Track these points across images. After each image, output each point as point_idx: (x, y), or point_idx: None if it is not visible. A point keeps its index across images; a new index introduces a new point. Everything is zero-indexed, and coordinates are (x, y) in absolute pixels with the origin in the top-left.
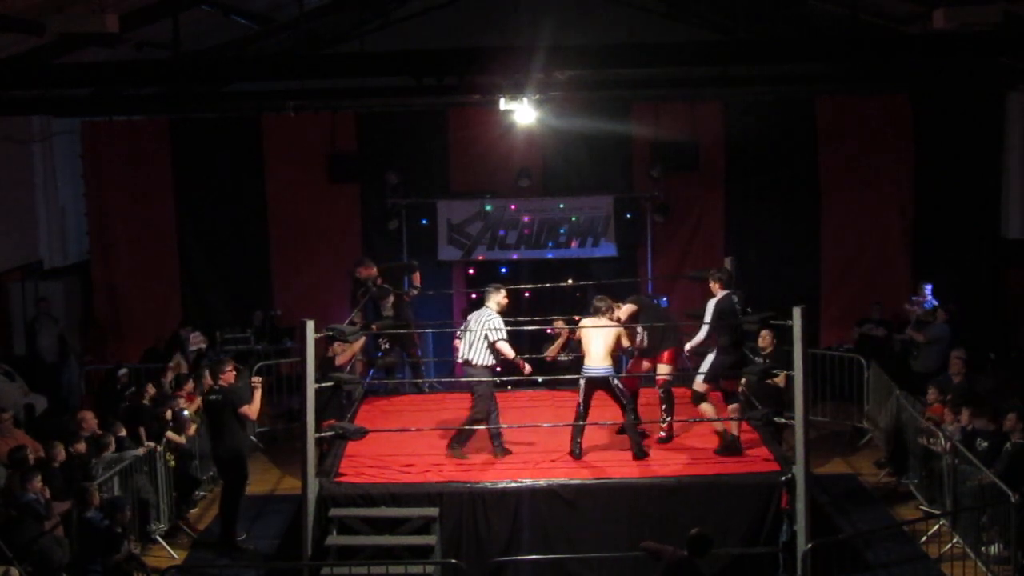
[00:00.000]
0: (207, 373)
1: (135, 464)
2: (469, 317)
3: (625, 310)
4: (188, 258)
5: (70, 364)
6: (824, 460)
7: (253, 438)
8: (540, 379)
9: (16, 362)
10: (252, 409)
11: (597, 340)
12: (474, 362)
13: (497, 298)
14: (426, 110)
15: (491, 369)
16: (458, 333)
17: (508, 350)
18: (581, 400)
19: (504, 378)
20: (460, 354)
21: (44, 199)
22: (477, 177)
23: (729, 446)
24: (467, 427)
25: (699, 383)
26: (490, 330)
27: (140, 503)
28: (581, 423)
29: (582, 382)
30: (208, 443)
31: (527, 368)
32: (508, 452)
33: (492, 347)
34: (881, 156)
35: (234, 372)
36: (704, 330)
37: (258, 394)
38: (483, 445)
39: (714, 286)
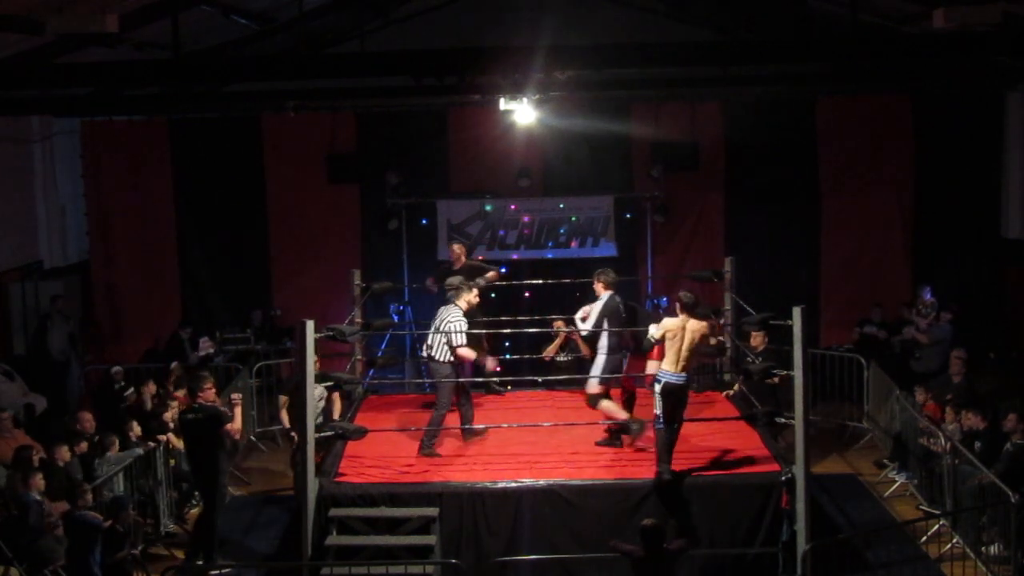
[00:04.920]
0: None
1: (135, 464)
2: (439, 311)
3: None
4: (188, 258)
5: (70, 364)
6: (824, 460)
7: (253, 437)
8: (540, 379)
9: (16, 362)
10: (234, 427)
11: (683, 342)
12: (437, 358)
13: (467, 296)
14: (426, 110)
15: (452, 365)
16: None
17: (468, 353)
18: (660, 412)
19: (504, 378)
20: (424, 349)
21: (44, 199)
22: (477, 177)
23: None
24: (434, 425)
25: (593, 386)
26: (453, 332)
27: (140, 503)
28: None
29: (657, 388)
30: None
31: (491, 364)
32: (436, 455)
33: (451, 348)
34: (881, 156)
35: (214, 389)
36: (591, 324)
37: (238, 411)
38: (482, 447)
39: (598, 287)
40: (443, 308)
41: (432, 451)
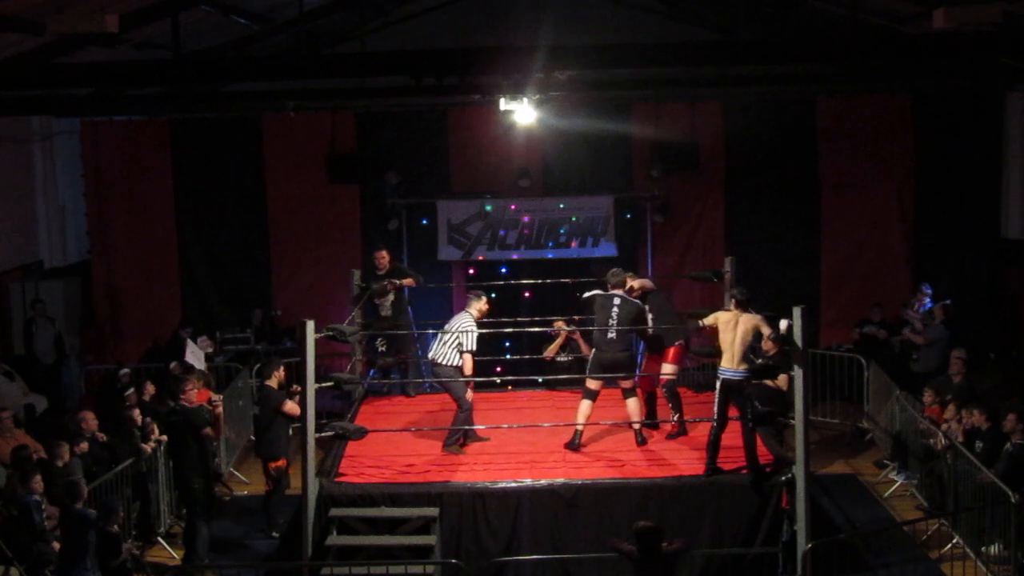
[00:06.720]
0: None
1: (135, 464)
2: (453, 319)
3: (640, 282)
4: (188, 258)
5: (69, 364)
6: (825, 460)
7: (253, 437)
8: (540, 379)
9: (15, 362)
10: (215, 430)
11: (734, 336)
12: (442, 362)
13: (478, 305)
14: (426, 110)
15: (459, 370)
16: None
17: (469, 366)
18: (716, 408)
19: (504, 378)
20: (430, 354)
21: (44, 199)
22: (477, 177)
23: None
24: (459, 425)
25: (593, 382)
26: (463, 333)
27: (141, 503)
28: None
29: (717, 385)
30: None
31: (469, 394)
32: (461, 452)
33: (460, 353)
34: (881, 156)
35: (195, 391)
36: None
37: (218, 411)
38: (482, 447)
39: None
40: (456, 316)
41: (457, 448)
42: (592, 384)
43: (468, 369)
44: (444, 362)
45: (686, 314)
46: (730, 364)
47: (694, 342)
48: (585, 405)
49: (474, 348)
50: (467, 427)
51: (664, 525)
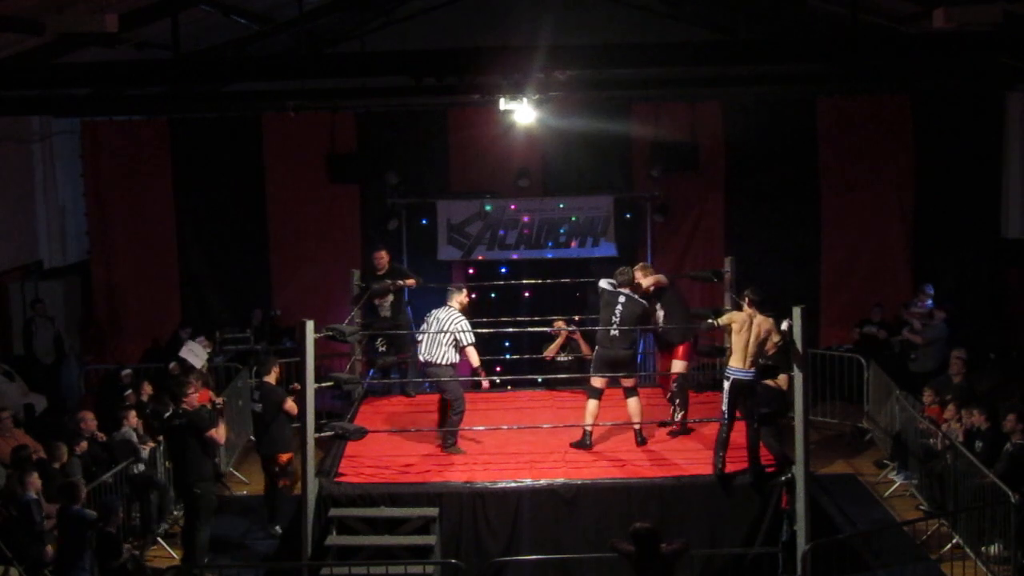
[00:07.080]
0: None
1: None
2: (429, 315)
3: (653, 279)
4: (188, 258)
5: (68, 364)
6: (825, 460)
7: (253, 437)
8: (540, 379)
9: (15, 362)
10: (219, 433)
11: (749, 337)
12: (438, 362)
13: (459, 298)
14: (426, 110)
15: (455, 368)
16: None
17: (476, 358)
18: (725, 408)
19: (504, 378)
20: (420, 355)
21: (44, 199)
22: (477, 177)
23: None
24: (454, 426)
25: (598, 380)
26: (461, 332)
27: (141, 503)
28: (725, 436)
29: (726, 384)
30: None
31: (485, 383)
32: (460, 451)
33: (460, 350)
34: (881, 156)
35: (197, 394)
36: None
37: (221, 418)
38: (482, 447)
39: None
40: (437, 311)
41: (456, 448)
42: (597, 383)
43: (475, 361)
44: (441, 362)
45: (693, 314)
46: (741, 364)
47: (700, 341)
48: (593, 404)
49: (474, 340)
50: (464, 428)
51: (664, 525)
